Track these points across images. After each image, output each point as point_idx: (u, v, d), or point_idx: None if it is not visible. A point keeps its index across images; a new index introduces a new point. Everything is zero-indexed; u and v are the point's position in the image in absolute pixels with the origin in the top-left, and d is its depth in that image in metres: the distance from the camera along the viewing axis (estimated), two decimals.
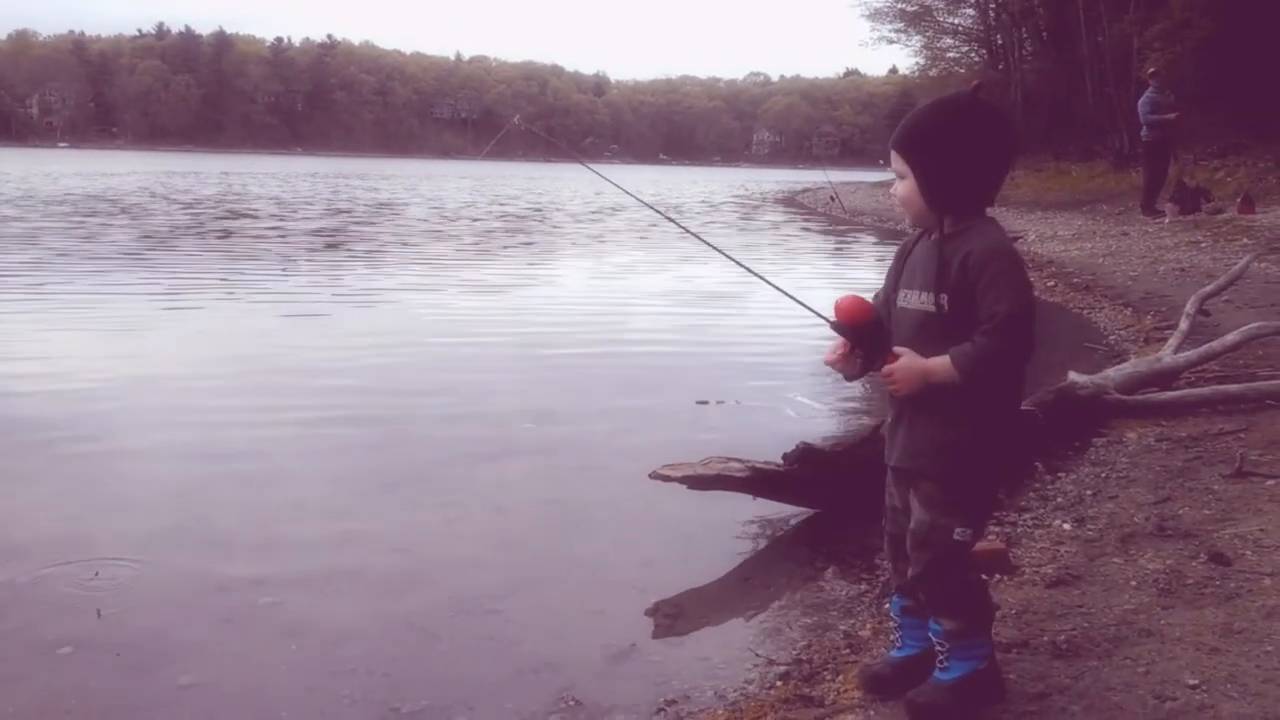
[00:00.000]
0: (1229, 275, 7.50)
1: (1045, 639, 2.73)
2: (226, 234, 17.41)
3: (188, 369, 6.77)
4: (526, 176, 60.30)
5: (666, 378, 6.89)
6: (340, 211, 24.33)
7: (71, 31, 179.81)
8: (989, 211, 2.33)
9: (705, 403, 6.09)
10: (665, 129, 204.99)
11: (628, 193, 3.11)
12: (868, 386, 6.45)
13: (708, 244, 2.83)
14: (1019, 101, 33.33)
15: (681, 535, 3.99)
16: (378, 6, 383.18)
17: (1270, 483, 3.96)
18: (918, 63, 43.54)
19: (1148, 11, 23.47)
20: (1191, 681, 2.44)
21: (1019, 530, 3.76)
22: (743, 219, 26.86)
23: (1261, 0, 19.73)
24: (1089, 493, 4.11)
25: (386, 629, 3.15)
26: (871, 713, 2.46)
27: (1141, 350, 7.00)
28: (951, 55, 41.83)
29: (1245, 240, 12.23)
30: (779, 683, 2.77)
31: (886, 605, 2.90)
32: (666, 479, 3.84)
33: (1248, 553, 3.25)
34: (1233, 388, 5.38)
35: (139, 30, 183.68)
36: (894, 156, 2.32)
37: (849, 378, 2.40)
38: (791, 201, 37.99)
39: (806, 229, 23.89)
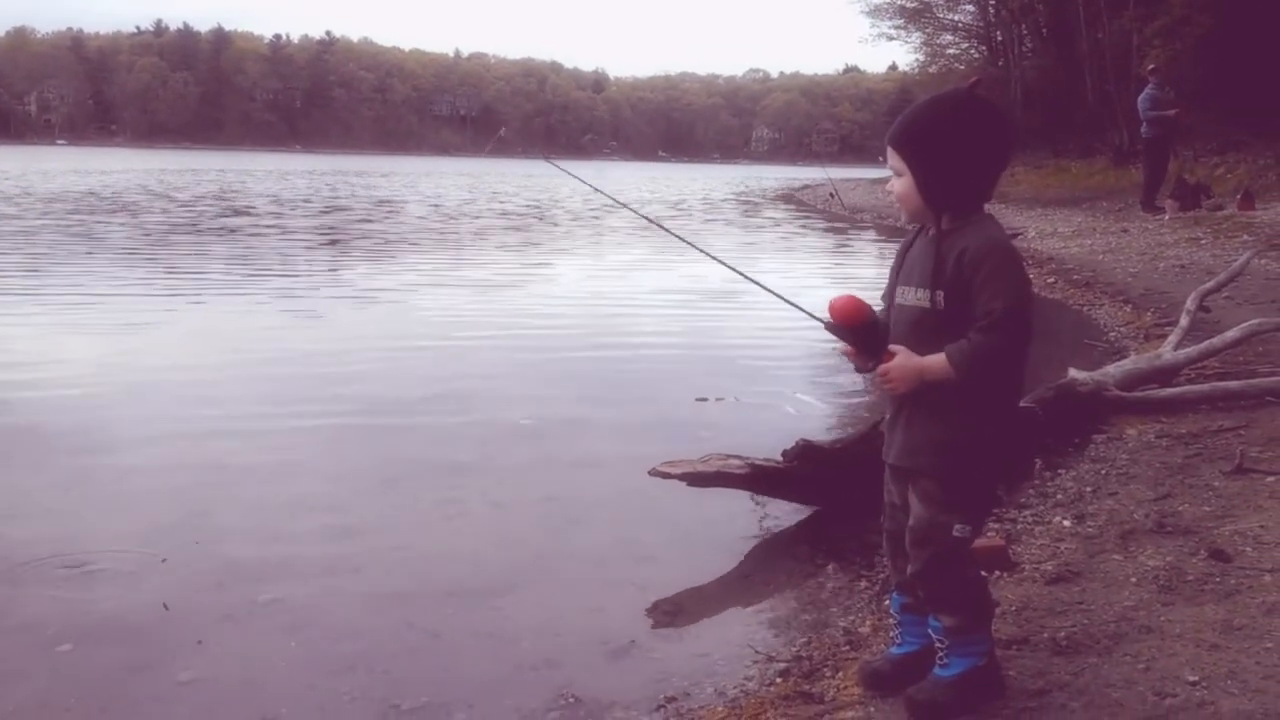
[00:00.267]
0: (1229, 272, 7.50)
1: (1045, 635, 2.73)
2: (225, 231, 17.40)
3: (187, 367, 6.77)
4: (524, 174, 60.16)
5: (666, 374, 6.89)
6: (339, 209, 24.32)
7: (70, 29, 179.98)
8: (987, 208, 2.32)
9: (705, 399, 6.09)
10: (664, 126, 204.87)
11: (616, 200, 3.11)
12: (867, 383, 6.45)
13: (698, 248, 2.83)
14: (1019, 98, 33.29)
15: (681, 532, 3.99)
16: (376, 3, 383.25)
17: (1270, 479, 3.96)
18: (917, 59, 43.56)
19: (1147, 8, 23.44)
20: (1191, 678, 2.44)
21: (1019, 527, 3.76)
22: (743, 216, 26.84)
23: None
24: (1089, 489, 4.11)
25: (386, 625, 3.15)
26: (871, 709, 2.46)
27: (1141, 347, 7.00)
28: (951, 52, 41.81)
29: (1245, 237, 12.23)
30: (779, 679, 2.77)
31: (886, 602, 2.90)
32: (666, 476, 3.85)
33: (1248, 549, 3.25)
34: (1233, 384, 5.38)
35: (137, 27, 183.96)
36: (890, 153, 2.32)
37: (861, 371, 2.40)
38: (791, 198, 37.99)
39: (806, 226, 23.89)
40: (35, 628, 3.08)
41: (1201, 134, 21.07)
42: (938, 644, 2.38)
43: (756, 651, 2.99)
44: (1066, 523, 3.72)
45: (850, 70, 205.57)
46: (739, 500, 4.07)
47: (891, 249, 2.52)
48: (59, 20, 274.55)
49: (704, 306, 9.94)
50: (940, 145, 2.25)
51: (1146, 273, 10.53)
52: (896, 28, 41.19)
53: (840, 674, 2.71)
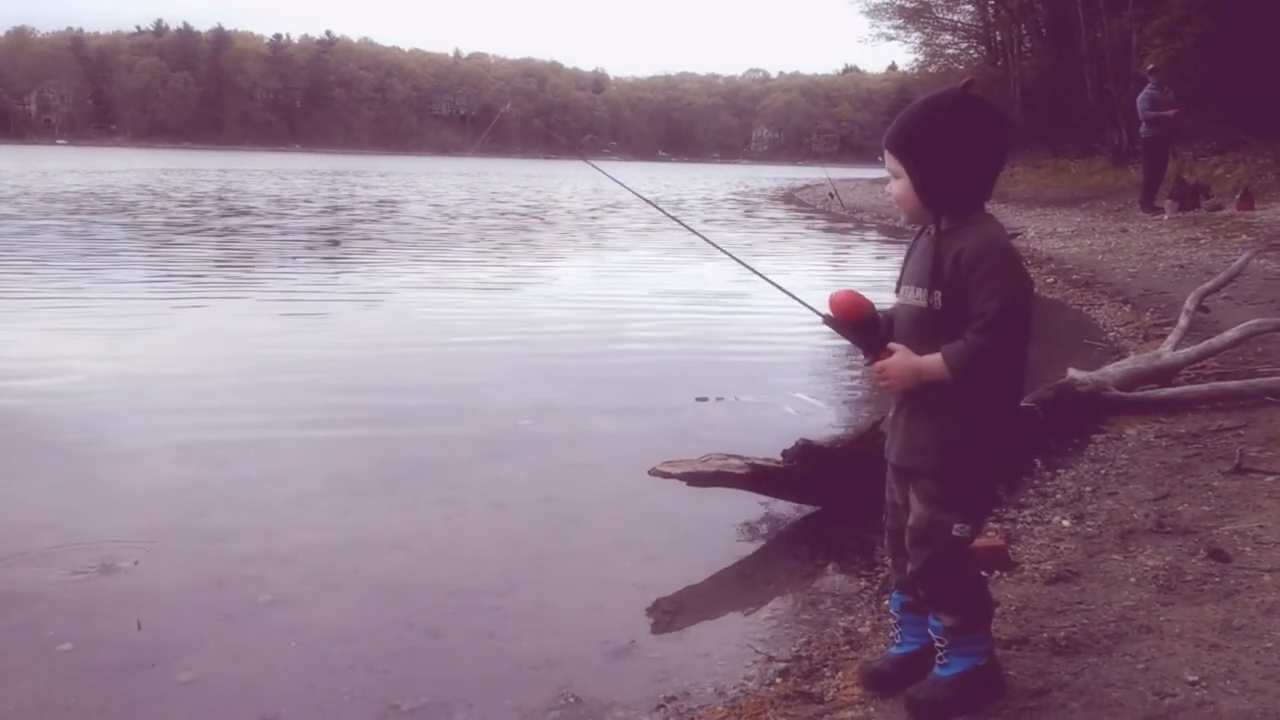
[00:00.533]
0: (1228, 272, 7.50)
1: (1045, 635, 2.73)
2: (226, 232, 17.40)
3: (187, 368, 6.77)
4: (524, 174, 60.18)
5: (666, 374, 6.89)
6: (339, 209, 24.32)
7: (70, 28, 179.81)
8: (987, 207, 2.32)
9: (705, 399, 6.09)
10: (664, 126, 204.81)
11: (634, 192, 3.10)
12: (867, 384, 6.46)
13: (710, 242, 2.82)
14: (1018, 98, 33.28)
15: (681, 532, 3.99)
16: (376, 3, 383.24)
17: (1269, 479, 3.96)
18: (917, 59, 43.56)
19: (1147, 8, 23.43)
20: (1191, 678, 2.44)
21: (1018, 527, 3.76)
22: (743, 216, 26.83)
23: None
24: (1088, 489, 4.12)
25: (386, 626, 3.15)
26: (871, 709, 2.46)
27: (1141, 347, 7.00)
28: (950, 52, 41.79)
29: (1244, 237, 12.23)
30: (779, 679, 2.77)
31: (886, 602, 2.90)
32: (666, 476, 3.85)
33: (1247, 549, 3.25)
34: (1232, 384, 5.38)
35: (137, 27, 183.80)
36: (888, 156, 2.32)
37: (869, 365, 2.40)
38: (791, 198, 37.98)
39: (807, 226, 23.89)
40: (35, 628, 3.08)
41: (1201, 134, 21.07)
42: (937, 644, 2.38)
43: (756, 651, 2.99)
44: (1066, 522, 3.72)
45: (850, 70, 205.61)
46: (739, 500, 4.08)
47: (892, 249, 2.54)
48: (59, 20, 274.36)
49: (704, 307, 9.94)
50: (936, 146, 2.25)
51: (1146, 273, 10.53)
52: (896, 28, 41.24)
53: (840, 674, 2.71)
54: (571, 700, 2.72)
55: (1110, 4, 25.97)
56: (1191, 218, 14.90)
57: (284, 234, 17.14)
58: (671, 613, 3.29)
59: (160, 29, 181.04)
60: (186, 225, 18.22)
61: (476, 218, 22.79)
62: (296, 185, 36.75)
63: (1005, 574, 3.24)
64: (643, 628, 3.19)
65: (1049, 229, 16.28)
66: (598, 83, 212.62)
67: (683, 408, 5.94)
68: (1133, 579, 3.10)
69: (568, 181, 47.48)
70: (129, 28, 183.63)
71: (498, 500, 4.34)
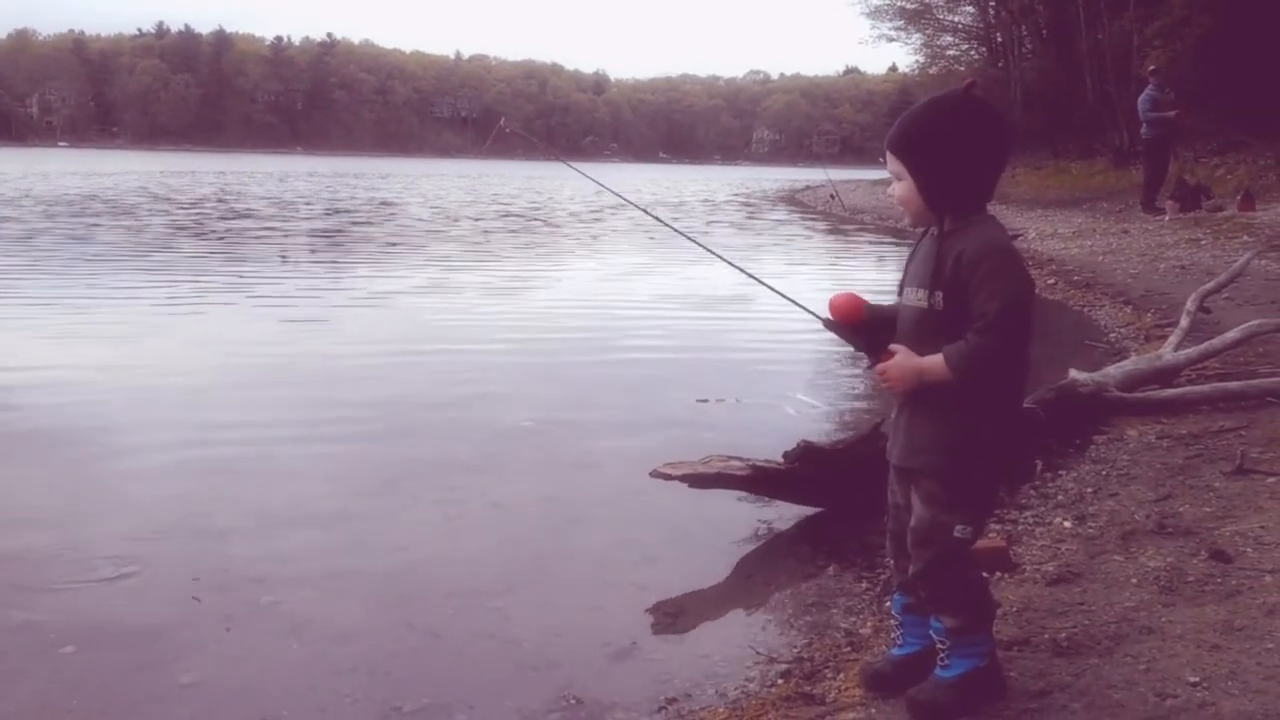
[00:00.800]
0: (1229, 272, 7.50)
1: (1046, 636, 2.73)
2: (226, 235, 17.41)
3: (188, 370, 6.77)
4: (526, 176, 60.19)
5: (667, 376, 6.89)
6: (340, 211, 24.33)
7: (71, 31, 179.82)
8: (988, 208, 2.33)
9: (706, 401, 6.09)
10: (665, 127, 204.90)
11: (617, 194, 3.11)
12: (868, 385, 6.46)
13: (708, 250, 2.82)
14: (1019, 99, 33.31)
15: (682, 533, 3.99)
16: (377, 5, 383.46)
17: (1271, 480, 3.96)
18: (917, 61, 43.61)
19: (1147, 9, 23.44)
20: (1192, 679, 2.44)
21: (1020, 528, 3.76)
22: (745, 218, 26.83)
23: None
24: (1090, 490, 4.11)
25: (387, 627, 3.15)
26: (873, 711, 2.46)
27: (1142, 348, 7.00)
28: (951, 53, 41.83)
29: (1245, 237, 12.23)
30: (780, 681, 2.77)
31: (888, 603, 2.90)
32: (667, 477, 3.85)
33: (1248, 550, 3.25)
34: (1233, 385, 5.38)
35: (139, 29, 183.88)
36: (890, 158, 2.32)
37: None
38: (792, 200, 37.99)
39: (808, 228, 23.89)
40: (37, 630, 3.08)
41: (1202, 135, 21.08)
42: (939, 645, 2.38)
43: (758, 653, 2.99)
44: (1067, 524, 3.72)
45: (850, 72, 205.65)
46: (740, 501, 4.08)
47: (893, 251, 2.54)
48: (60, 22, 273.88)
49: (705, 309, 9.94)
50: (938, 148, 2.25)
51: (1147, 274, 10.53)
52: (897, 29, 41.28)
53: (841, 675, 2.71)
54: (572, 701, 2.72)
55: (1111, 5, 25.98)
56: (1193, 219, 14.90)
57: (286, 236, 17.16)
58: (673, 614, 3.29)
59: (161, 31, 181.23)
60: (187, 228, 18.23)
61: (479, 220, 22.79)
62: (297, 187, 36.77)
63: (1006, 575, 3.24)
64: (644, 629, 3.19)
65: (1050, 230, 16.28)
66: (599, 84, 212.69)
67: (684, 409, 5.94)
68: (1134, 580, 3.10)
69: (569, 183, 47.48)
70: (130, 30, 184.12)
71: (499, 501, 4.34)
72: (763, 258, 15.41)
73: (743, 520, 4.06)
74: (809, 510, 4.11)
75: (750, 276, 2.61)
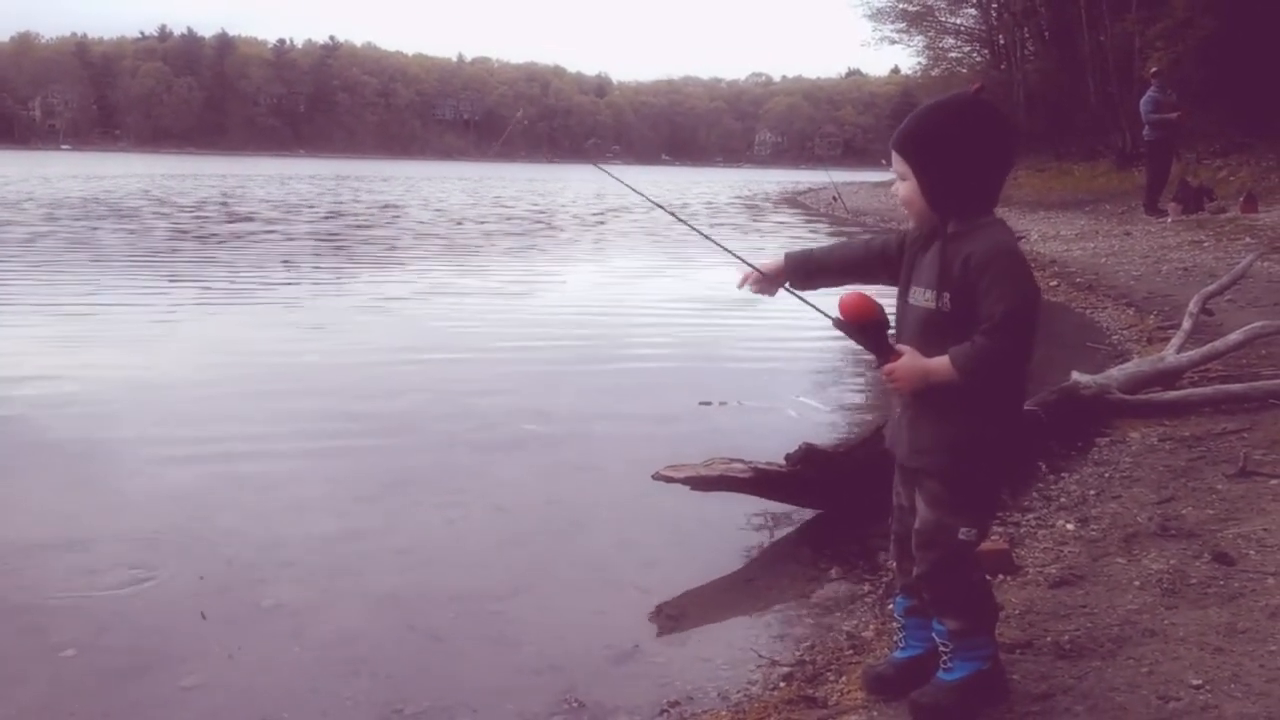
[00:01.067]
0: (1232, 274, 7.49)
1: (1049, 639, 2.72)
2: (229, 238, 17.43)
3: (190, 374, 6.78)
4: (527, 178, 60.24)
5: (669, 379, 6.89)
6: (343, 215, 24.34)
7: (74, 34, 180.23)
8: (996, 211, 2.32)
9: (708, 403, 6.09)
10: (667, 130, 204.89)
11: (646, 197, 3.10)
12: (870, 388, 6.46)
13: (725, 249, 2.79)
14: (1021, 101, 33.32)
15: (684, 536, 3.99)
16: (380, 8, 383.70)
17: (1274, 482, 3.95)
18: (919, 63, 43.56)
19: (1150, 10, 23.44)
20: (1195, 681, 2.44)
21: (1022, 530, 3.76)
22: (748, 220, 26.84)
23: None
24: (1092, 493, 4.11)
25: (389, 630, 3.15)
26: (875, 713, 2.46)
27: (1144, 350, 7.00)
28: (953, 55, 41.84)
29: (1248, 239, 12.22)
30: (782, 684, 2.77)
31: (890, 605, 2.90)
32: (669, 480, 3.85)
33: (1251, 552, 3.24)
34: (1236, 387, 5.37)
35: (141, 32, 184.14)
36: (895, 157, 2.32)
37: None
38: (794, 202, 37.99)
39: (812, 230, 23.88)
40: (38, 632, 3.08)
41: (1204, 137, 21.08)
42: (942, 647, 2.38)
43: (760, 656, 2.99)
44: (1070, 526, 3.72)
45: (853, 74, 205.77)
46: (742, 504, 4.07)
47: None
48: (63, 25, 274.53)
49: (708, 312, 9.94)
50: (945, 149, 2.25)
51: (1149, 275, 10.53)
52: (899, 31, 41.25)
53: (844, 678, 2.71)
54: (575, 705, 2.71)
55: (1113, 7, 25.99)
56: (1195, 220, 14.89)
57: (288, 240, 17.16)
58: (675, 617, 3.29)
59: (164, 34, 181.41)
60: (190, 231, 18.25)
61: (482, 222, 22.80)
62: (300, 190, 36.80)
63: (1009, 578, 3.24)
64: (646, 632, 3.18)
65: (1053, 232, 16.28)
66: (601, 87, 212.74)
67: (686, 412, 5.94)
68: (1137, 583, 3.10)
69: (571, 185, 47.52)
70: (133, 33, 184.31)
71: (501, 504, 4.34)
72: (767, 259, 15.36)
73: (745, 523, 4.05)
74: (811, 513, 4.11)
75: (766, 276, 2.60)
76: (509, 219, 24.17)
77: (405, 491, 4.48)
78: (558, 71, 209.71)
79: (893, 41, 42.26)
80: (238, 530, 3.96)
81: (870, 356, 2.34)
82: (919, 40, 41.87)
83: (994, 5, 38.13)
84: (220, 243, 16.33)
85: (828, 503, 4.07)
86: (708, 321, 9.44)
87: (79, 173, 47.82)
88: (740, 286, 2.60)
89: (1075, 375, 5.35)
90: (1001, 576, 3.23)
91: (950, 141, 2.25)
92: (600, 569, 3.71)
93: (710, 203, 36.26)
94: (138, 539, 3.82)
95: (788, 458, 3.96)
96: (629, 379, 6.87)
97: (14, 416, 5.51)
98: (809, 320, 2.43)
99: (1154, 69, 17.97)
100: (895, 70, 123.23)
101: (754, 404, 6.18)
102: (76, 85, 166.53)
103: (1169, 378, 5.64)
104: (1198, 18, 21.28)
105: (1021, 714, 2.36)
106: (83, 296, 9.91)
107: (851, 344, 2.36)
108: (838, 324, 2.32)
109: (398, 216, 23.82)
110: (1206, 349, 5.87)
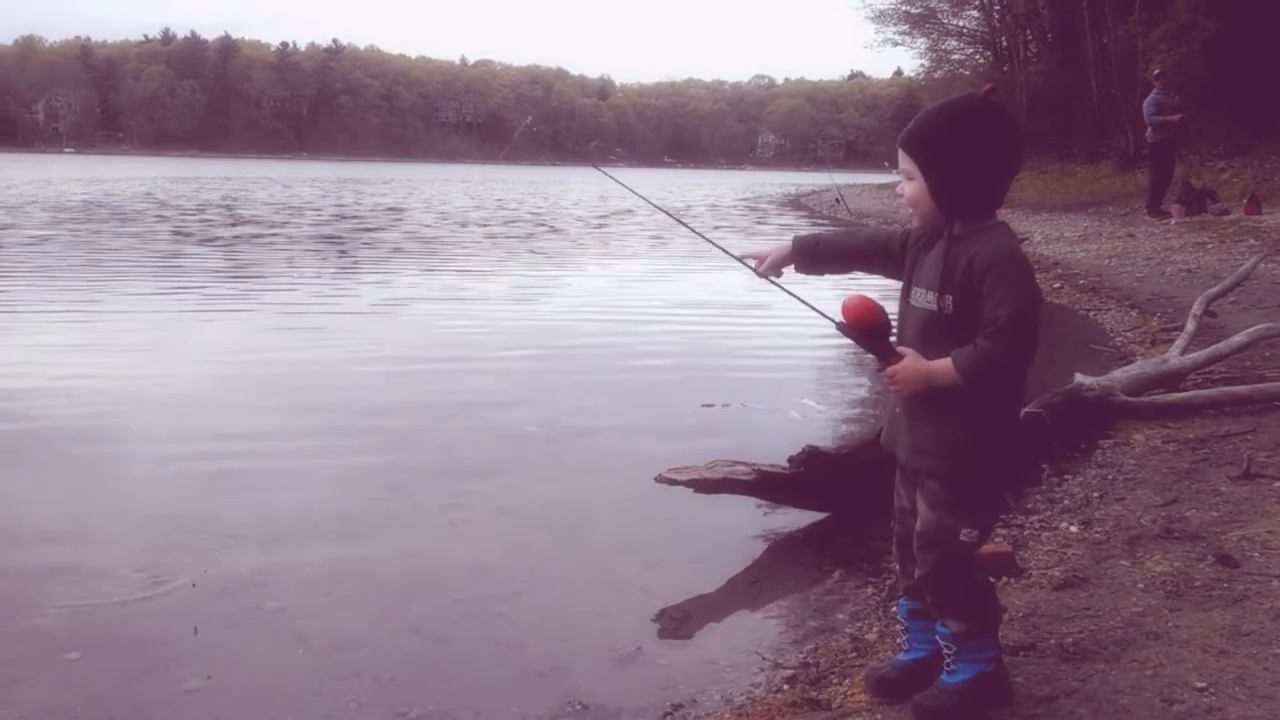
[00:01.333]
0: (1236, 276, 7.49)
1: (1052, 642, 2.72)
2: (233, 241, 17.44)
3: (194, 377, 6.78)
4: (529, 181, 60.27)
5: (672, 381, 6.89)
6: (346, 217, 24.36)
7: (78, 37, 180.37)
8: (999, 214, 2.32)
9: (711, 406, 6.09)
10: (670, 132, 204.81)
11: (649, 201, 3.10)
12: (873, 391, 6.45)
13: (728, 253, 2.79)
14: (1024, 103, 33.24)
15: (687, 538, 3.98)
16: (383, 11, 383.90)
17: (1278, 484, 3.95)
18: (922, 65, 43.47)
19: (1153, 13, 23.42)
20: (1199, 684, 2.43)
21: (1025, 533, 3.75)
22: (752, 223, 26.82)
23: (1267, 1, 19.69)
24: (1096, 495, 4.10)
25: (392, 632, 3.15)
26: (878, 716, 2.45)
27: (1148, 352, 6.99)
28: (956, 57, 41.74)
29: (1252, 241, 12.21)
30: (786, 686, 2.76)
31: (893, 608, 2.90)
32: (673, 482, 3.85)
33: (1255, 554, 3.24)
34: (1240, 389, 5.37)
35: (145, 36, 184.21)
36: (902, 156, 2.31)
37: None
38: (797, 204, 37.97)
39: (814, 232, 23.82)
40: (43, 636, 3.09)
41: (1207, 138, 21.06)
42: (945, 650, 2.37)
43: (763, 658, 2.99)
44: (1073, 528, 3.71)
45: (855, 76, 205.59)
46: (745, 506, 4.07)
47: None
48: (67, 29, 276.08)
49: (711, 315, 9.94)
50: (953, 150, 2.25)
51: (1153, 277, 10.52)
52: (901, 33, 41.17)
53: (847, 681, 2.71)
54: (578, 707, 2.71)
55: (1116, 9, 25.95)
56: (1198, 222, 14.88)
57: (292, 242, 17.18)
58: (678, 619, 3.29)
59: (167, 37, 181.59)
60: (194, 235, 18.27)
61: (485, 225, 22.81)
62: (303, 193, 36.83)
63: (1012, 580, 3.24)
64: (649, 634, 3.18)
65: (1056, 234, 16.26)
66: (603, 89, 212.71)
67: (689, 414, 5.94)
68: (1140, 585, 3.09)
69: (574, 188, 47.54)
70: (136, 36, 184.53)
71: (504, 507, 4.34)
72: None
73: (748, 525, 4.05)
74: (814, 515, 4.11)
75: (772, 282, 2.61)
76: (512, 222, 24.18)
77: (408, 494, 4.48)
78: (560, 74, 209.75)
79: (895, 44, 42.26)
80: (241, 533, 3.96)
81: (872, 358, 2.34)
82: (922, 42, 41.82)
83: (997, 7, 38.09)
84: (225, 246, 16.34)
85: (831, 505, 4.07)
86: (710, 324, 9.43)
87: (82, 176, 47.90)
88: (756, 269, 2.63)
89: (1079, 377, 5.34)
90: (1005, 579, 3.22)
91: (959, 142, 2.24)
92: (603, 571, 3.71)
93: (714, 205, 36.26)
94: (142, 542, 3.83)
95: (791, 460, 3.97)
96: (632, 381, 6.87)
97: (18, 419, 5.51)
98: (812, 323, 2.43)
99: (1157, 71, 17.96)
100: (898, 72, 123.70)
101: (757, 406, 6.18)
102: (80, 88, 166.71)
103: (1172, 380, 5.64)
104: (1201, 20, 21.27)
105: (1025, 716, 2.35)
106: (85, 300, 9.93)
107: (854, 346, 2.36)
108: (840, 328, 2.32)
109: (400, 219, 23.83)
110: (1210, 351, 5.87)
